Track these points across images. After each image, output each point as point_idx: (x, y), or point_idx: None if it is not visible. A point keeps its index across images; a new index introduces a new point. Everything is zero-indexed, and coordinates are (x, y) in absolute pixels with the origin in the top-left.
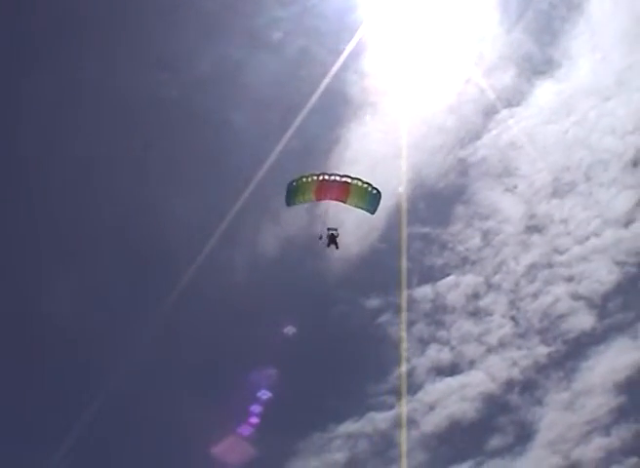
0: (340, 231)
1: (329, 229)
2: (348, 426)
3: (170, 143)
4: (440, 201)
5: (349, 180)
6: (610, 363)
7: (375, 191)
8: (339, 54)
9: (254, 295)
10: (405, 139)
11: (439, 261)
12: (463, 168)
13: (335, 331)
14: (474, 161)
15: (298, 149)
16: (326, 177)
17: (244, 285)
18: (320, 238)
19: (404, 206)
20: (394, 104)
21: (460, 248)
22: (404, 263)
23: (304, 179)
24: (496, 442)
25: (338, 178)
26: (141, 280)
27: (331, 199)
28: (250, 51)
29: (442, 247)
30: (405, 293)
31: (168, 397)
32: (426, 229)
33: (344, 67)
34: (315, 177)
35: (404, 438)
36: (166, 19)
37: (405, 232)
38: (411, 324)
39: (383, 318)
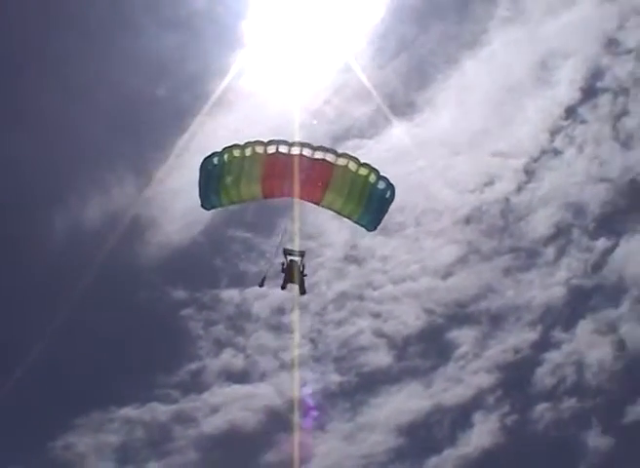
0: (165, 218)
1: (287, 253)
2: (129, 411)
3: None
4: (267, 211)
5: (333, 159)
6: (398, 404)
7: (383, 185)
8: None
9: (65, 265)
10: None
11: (253, 269)
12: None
13: (137, 314)
14: None
15: None
16: (283, 150)
17: (57, 251)
18: (261, 283)
19: (232, 208)
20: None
21: (277, 260)
22: (218, 262)
23: (238, 153)
24: (271, 456)
25: (309, 153)
26: None
27: (293, 195)
28: None
29: (260, 255)
30: (212, 292)
31: None
32: (249, 235)
33: None
34: (261, 150)
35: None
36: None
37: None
38: (211, 323)
39: (186, 312)
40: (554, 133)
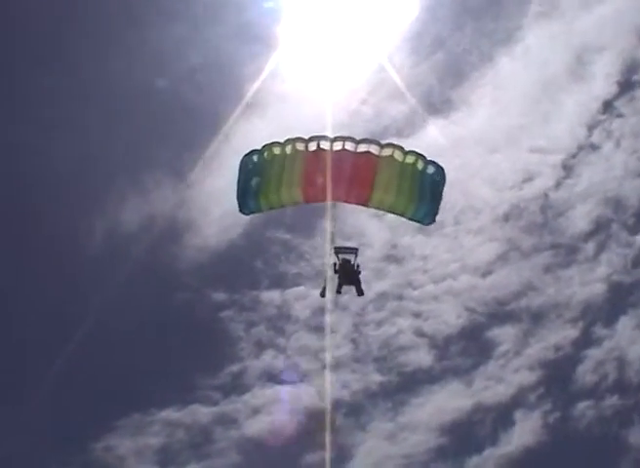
0: (204, 221)
1: (338, 251)
2: (170, 413)
3: None
4: (306, 212)
5: (377, 151)
6: (439, 403)
7: (432, 169)
8: None
9: (103, 267)
10: None
11: (293, 270)
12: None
13: (176, 317)
14: None
15: None
16: (324, 146)
17: (96, 255)
18: (323, 292)
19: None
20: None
21: (317, 262)
22: (258, 264)
23: (279, 150)
24: (312, 457)
25: (352, 147)
26: None
27: (337, 199)
28: None
29: (299, 257)
30: (252, 294)
31: None
32: (288, 236)
33: None
34: (302, 147)
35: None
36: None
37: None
38: (252, 325)
39: (226, 313)
40: (592, 127)
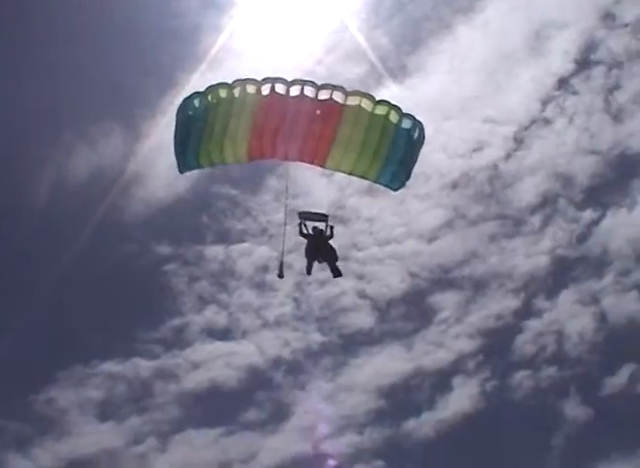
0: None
1: (302, 216)
2: (111, 366)
3: None
4: (254, 169)
5: (341, 99)
6: (379, 366)
7: (409, 123)
8: None
9: (49, 219)
10: None
11: (238, 226)
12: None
13: (119, 269)
14: None
15: None
16: (280, 90)
17: (41, 206)
18: (280, 272)
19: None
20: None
21: (263, 218)
22: (204, 218)
23: (225, 93)
24: (251, 415)
25: (312, 93)
26: None
27: (291, 156)
28: None
29: (245, 213)
30: (197, 248)
31: None
32: (235, 192)
33: None
34: (253, 89)
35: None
36: None
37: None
38: (195, 280)
39: (170, 267)
40: (546, 102)
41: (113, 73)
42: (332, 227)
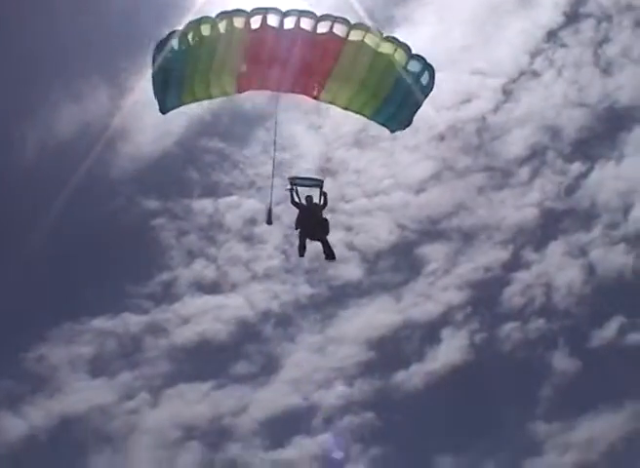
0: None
1: (292, 181)
2: (101, 322)
3: None
4: (242, 121)
5: (343, 32)
6: (368, 318)
7: (418, 66)
8: None
9: (36, 176)
10: None
11: (226, 179)
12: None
13: (108, 225)
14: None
15: None
16: (272, 23)
17: (28, 162)
18: (269, 219)
19: (206, 118)
20: None
21: (250, 171)
22: (191, 172)
23: (208, 30)
24: (241, 368)
25: (309, 26)
26: None
27: (283, 86)
28: None
29: (233, 166)
30: (185, 202)
31: None
32: (222, 145)
33: None
34: (241, 23)
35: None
36: None
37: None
38: (183, 234)
39: (158, 221)
40: (534, 55)
41: (99, 28)
42: (325, 195)
